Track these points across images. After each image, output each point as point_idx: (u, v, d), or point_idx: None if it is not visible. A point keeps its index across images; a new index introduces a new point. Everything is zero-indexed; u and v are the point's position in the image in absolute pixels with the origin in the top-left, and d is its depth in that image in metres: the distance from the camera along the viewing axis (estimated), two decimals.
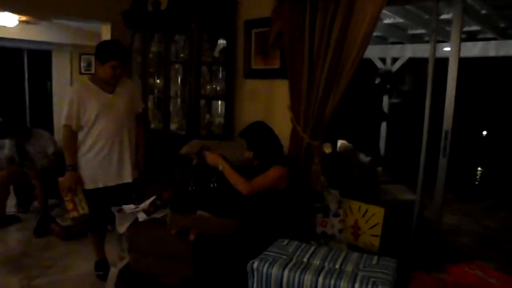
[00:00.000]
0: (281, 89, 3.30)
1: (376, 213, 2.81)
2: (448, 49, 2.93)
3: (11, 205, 4.31)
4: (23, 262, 3.32)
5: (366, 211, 2.85)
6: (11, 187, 4.27)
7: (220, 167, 2.53)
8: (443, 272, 2.45)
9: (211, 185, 2.68)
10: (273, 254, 2.10)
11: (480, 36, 5.97)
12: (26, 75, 8.70)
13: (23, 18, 6.32)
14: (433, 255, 2.97)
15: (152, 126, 4.13)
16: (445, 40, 4.65)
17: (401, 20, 5.42)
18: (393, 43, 6.93)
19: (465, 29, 5.46)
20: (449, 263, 2.48)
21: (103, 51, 2.73)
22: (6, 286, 2.95)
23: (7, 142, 4.31)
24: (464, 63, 3.04)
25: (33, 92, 8.85)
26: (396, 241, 2.91)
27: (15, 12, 5.68)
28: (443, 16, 4.27)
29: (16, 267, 3.23)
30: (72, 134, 2.75)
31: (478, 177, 7.45)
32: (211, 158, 2.60)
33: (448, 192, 3.13)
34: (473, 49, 5.95)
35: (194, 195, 2.71)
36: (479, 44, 5.98)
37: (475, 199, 5.76)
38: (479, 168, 7.69)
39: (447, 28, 3.91)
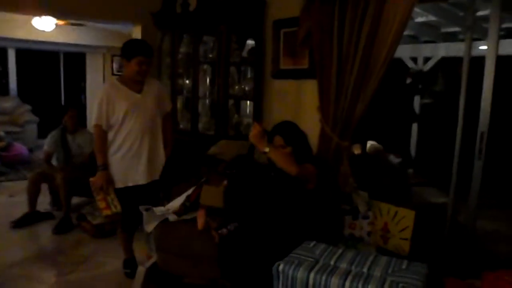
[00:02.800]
0: (309, 89, 3.27)
1: (406, 216, 2.73)
2: (484, 47, 2.83)
3: (45, 202, 4.44)
4: (56, 259, 3.41)
5: (396, 213, 2.77)
6: (46, 186, 4.39)
7: (266, 149, 2.35)
8: (478, 280, 2.36)
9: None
10: (299, 256, 2.07)
11: None
12: (62, 77, 8.99)
13: (60, 22, 6.55)
14: (467, 262, 2.86)
15: (181, 126, 4.17)
16: (481, 38, 4.48)
17: (433, 18, 5.27)
18: (425, 42, 6.75)
19: (504, 25, 5.25)
20: (485, 270, 2.38)
21: (129, 48, 2.79)
22: (41, 281, 3.05)
23: (48, 137, 4.37)
24: (502, 61, 2.92)
25: (68, 93, 9.12)
26: (427, 245, 2.82)
27: (52, 16, 5.91)
28: (480, 13, 4.12)
29: (49, 263, 3.34)
30: (102, 134, 2.80)
31: None
32: (254, 136, 2.38)
33: (488, 197, 3.00)
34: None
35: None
36: None
37: None
38: None
39: (484, 25, 3.76)
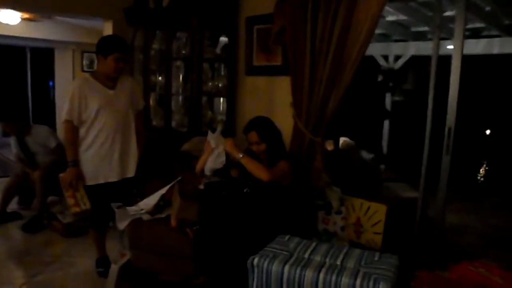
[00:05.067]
0: (283, 85, 3.28)
1: (378, 211, 2.78)
2: (451, 46, 2.91)
3: (13, 201, 4.31)
4: (24, 259, 3.31)
5: (368, 208, 2.82)
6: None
7: (240, 155, 2.50)
8: (446, 271, 2.43)
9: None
10: (274, 250, 2.08)
11: (485, 33, 5.93)
12: (29, 73, 8.71)
13: (26, 15, 6.34)
14: (436, 254, 2.95)
15: (154, 123, 4.13)
16: (449, 37, 4.62)
17: (404, 18, 5.40)
18: (396, 40, 6.90)
19: (469, 26, 5.42)
20: (453, 261, 2.46)
21: (106, 44, 2.74)
22: (9, 282, 2.95)
23: (12, 140, 4.27)
24: (468, 60, 3.01)
25: (36, 90, 8.86)
26: (398, 239, 2.89)
27: (18, 9, 5.70)
28: (447, 13, 4.25)
29: (18, 264, 3.24)
30: (73, 130, 2.74)
31: (481, 175, 7.39)
32: (229, 145, 2.57)
33: (452, 191, 3.09)
34: (476, 47, 5.91)
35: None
36: (483, 41, 5.94)
37: (479, 198, 5.72)
38: (484, 165, 7.63)
39: (451, 25, 3.88)
